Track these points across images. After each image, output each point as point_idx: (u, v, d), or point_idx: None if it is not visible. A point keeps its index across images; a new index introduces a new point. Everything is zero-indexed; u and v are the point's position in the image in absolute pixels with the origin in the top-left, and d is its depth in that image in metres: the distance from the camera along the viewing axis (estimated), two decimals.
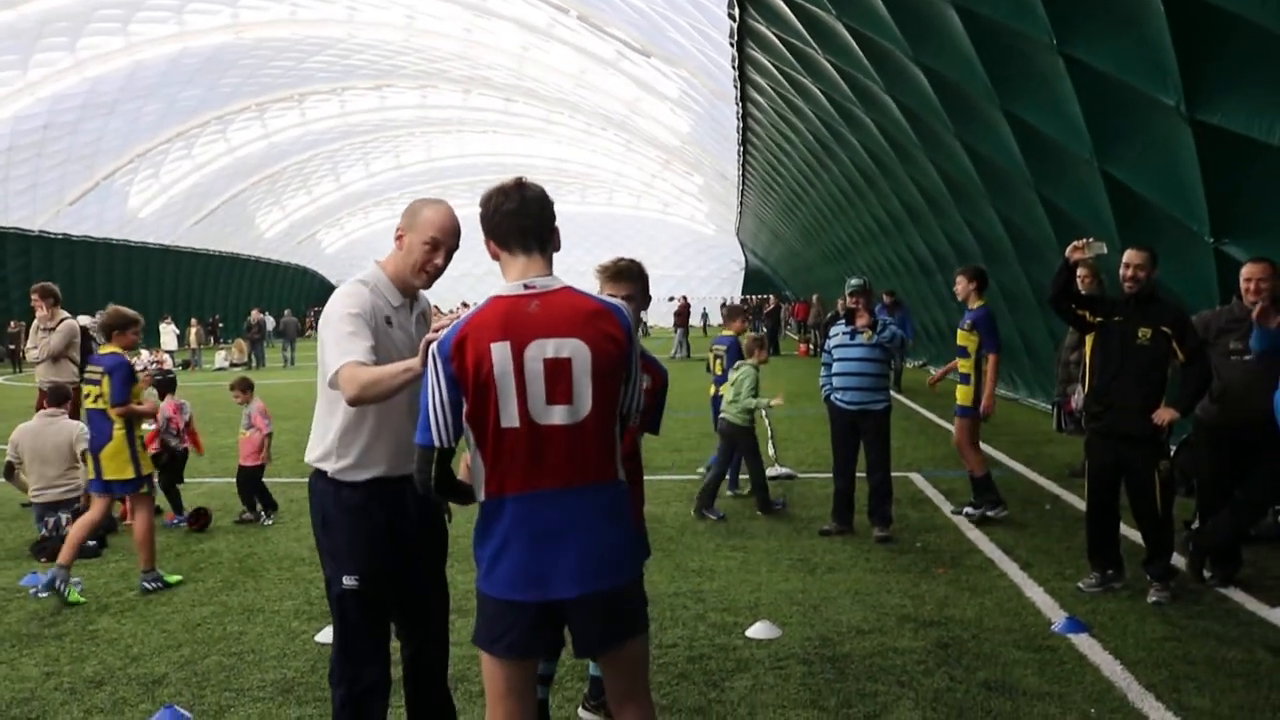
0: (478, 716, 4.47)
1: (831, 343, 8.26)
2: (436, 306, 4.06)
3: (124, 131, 41.69)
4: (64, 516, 8.01)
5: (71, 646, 5.70)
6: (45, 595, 6.46)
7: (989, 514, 8.37)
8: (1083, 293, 6.66)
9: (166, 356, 24.23)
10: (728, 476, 9.57)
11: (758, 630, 5.68)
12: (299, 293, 65.56)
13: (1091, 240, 6.09)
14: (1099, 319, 6.29)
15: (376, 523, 3.62)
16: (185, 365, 32.56)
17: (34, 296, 9.92)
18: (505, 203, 2.96)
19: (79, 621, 6.16)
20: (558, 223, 3.08)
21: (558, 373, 2.84)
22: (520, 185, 2.99)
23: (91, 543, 7.81)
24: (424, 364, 2.97)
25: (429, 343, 2.98)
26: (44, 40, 34.02)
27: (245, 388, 9.28)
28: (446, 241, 3.60)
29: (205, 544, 8.18)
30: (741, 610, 6.11)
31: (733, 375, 9.23)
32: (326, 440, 3.64)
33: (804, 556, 7.40)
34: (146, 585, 6.84)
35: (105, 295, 35.76)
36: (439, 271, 3.66)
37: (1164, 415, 6.02)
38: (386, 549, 3.65)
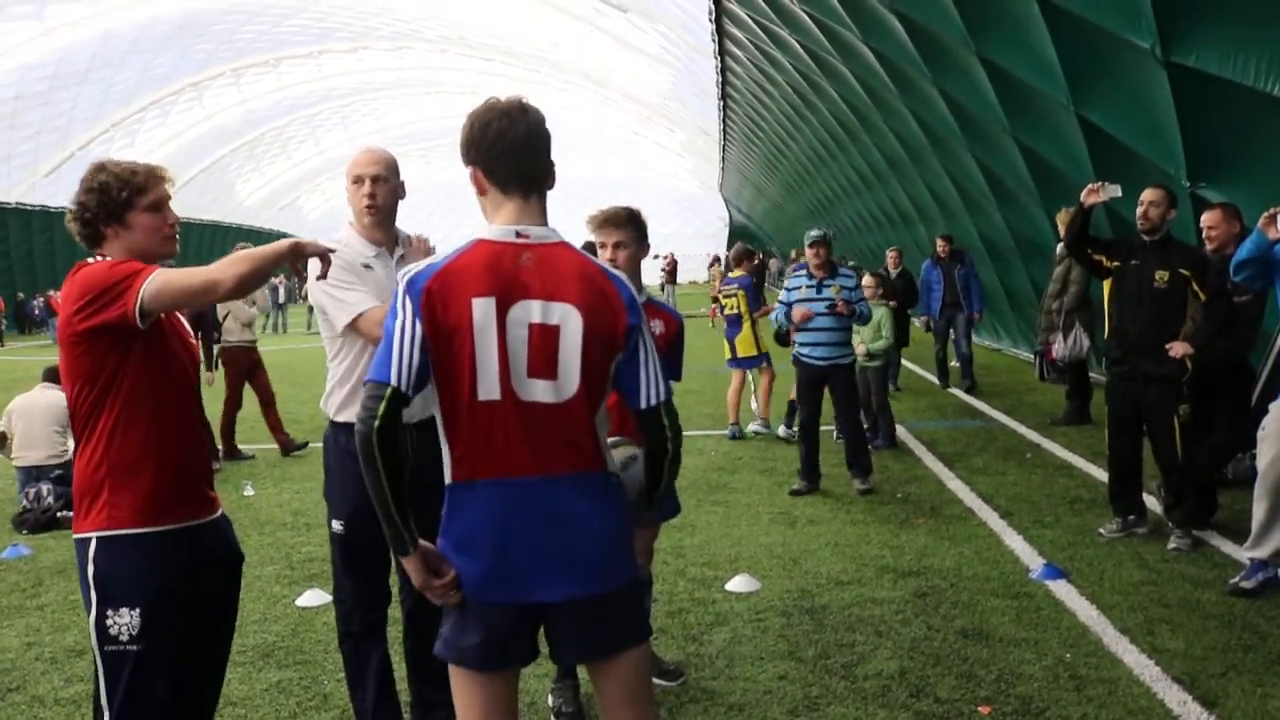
0: None
1: (793, 295, 7.97)
2: (421, 236, 3.83)
3: (98, 101, 41.09)
4: (44, 488, 7.96)
5: (53, 617, 5.69)
6: None
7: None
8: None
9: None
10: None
11: (737, 584, 5.69)
12: None
13: (1105, 184, 6.08)
14: (1116, 264, 6.26)
15: None
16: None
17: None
18: (507, 136, 2.49)
19: (60, 592, 6.14)
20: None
21: (544, 341, 2.42)
22: (523, 112, 2.51)
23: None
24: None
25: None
26: (10, 9, 33.40)
27: None
28: (366, 172, 3.64)
29: None
30: (721, 564, 6.12)
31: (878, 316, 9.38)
32: (328, 388, 3.74)
33: (785, 510, 7.42)
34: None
35: None
36: (379, 205, 3.66)
37: (1178, 349, 5.98)
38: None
